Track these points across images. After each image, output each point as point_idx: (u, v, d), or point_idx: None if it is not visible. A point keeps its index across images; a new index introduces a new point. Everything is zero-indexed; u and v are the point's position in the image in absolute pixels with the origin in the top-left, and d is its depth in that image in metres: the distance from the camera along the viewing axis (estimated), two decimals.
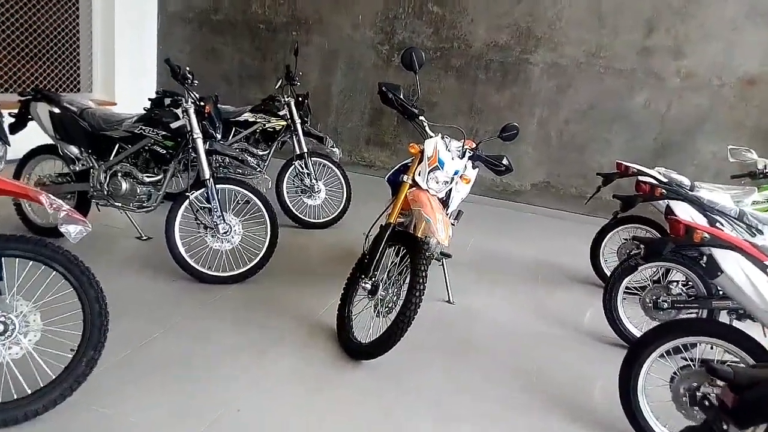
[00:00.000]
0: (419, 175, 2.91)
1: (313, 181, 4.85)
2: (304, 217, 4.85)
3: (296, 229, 4.80)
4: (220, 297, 3.37)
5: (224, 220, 3.49)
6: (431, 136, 3.03)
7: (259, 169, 4.54)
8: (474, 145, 3.29)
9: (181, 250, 3.47)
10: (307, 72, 7.00)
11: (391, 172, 3.18)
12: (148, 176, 3.60)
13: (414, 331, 2.74)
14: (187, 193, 3.42)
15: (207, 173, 3.42)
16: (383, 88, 2.91)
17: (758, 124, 5.69)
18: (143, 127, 3.55)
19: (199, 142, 3.41)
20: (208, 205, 3.46)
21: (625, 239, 4.33)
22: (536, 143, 6.32)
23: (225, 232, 3.51)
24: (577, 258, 4.74)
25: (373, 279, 2.85)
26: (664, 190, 3.27)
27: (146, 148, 3.56)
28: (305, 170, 4.84)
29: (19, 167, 3.93)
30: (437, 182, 2.90)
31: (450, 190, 3.08)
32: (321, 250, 4.42)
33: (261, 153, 4.92)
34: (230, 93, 7.32)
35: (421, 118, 3.05)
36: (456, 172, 2.94)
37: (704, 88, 5.80)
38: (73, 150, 3.70)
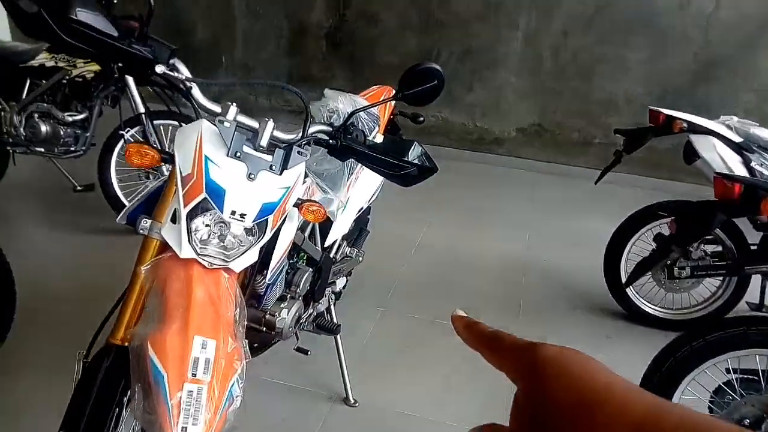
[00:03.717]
0: (174, 222, 1.12)
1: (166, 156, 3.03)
2: None
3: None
4: None
5: None
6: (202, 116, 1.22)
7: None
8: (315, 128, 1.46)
9: None
10: None
11: (137, 200, 1.33)
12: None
13: None
14: None
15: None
16: None
17: None
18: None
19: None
20: None
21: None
22: (522, 69, 4.40)
23: None
24: (589, 251, 2.97)
25: None
26: (685, 124, 2.33)
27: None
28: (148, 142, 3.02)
29: None
30: (221, 236, 1.11)
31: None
32: None
33: (72, 118, 3.07)
34: None
35: (162, 69, 1.19)
36: (269, 207, 1.14)
37: None
38: None
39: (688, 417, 0.27)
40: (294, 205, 1.25)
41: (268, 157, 1.14)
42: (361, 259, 2.35)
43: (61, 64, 3.00)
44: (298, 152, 1.17)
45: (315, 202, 1.26)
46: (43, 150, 3.08)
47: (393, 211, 3.58)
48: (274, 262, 1.29)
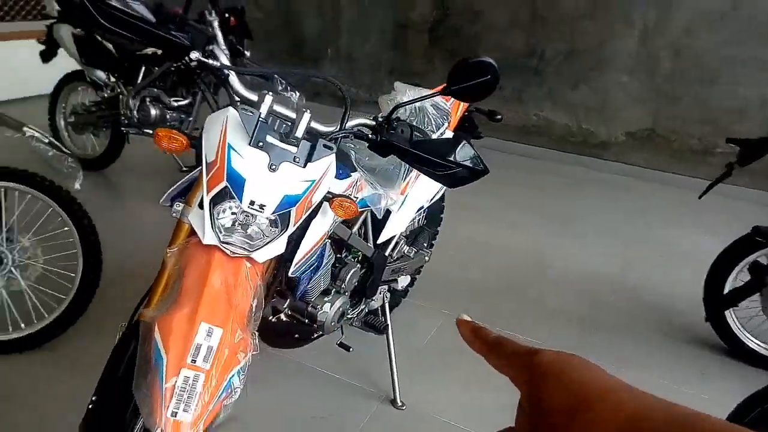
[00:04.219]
0: (201, 208, 1.14)
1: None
2: None
3: None
4: None
5: None
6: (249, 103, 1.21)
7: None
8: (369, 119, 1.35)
9: None
10: None
11: (180, 183, 1.36)
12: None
13: None
14: None
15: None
16: None
17: None
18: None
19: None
20: None
21: None
22: (635, 69, 4.05)
23: None
24: (692, 273, 2.66)
25: None
26: None
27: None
28: None
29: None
30: (244, 225, 1.11)
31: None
32: None
33: (178, 103, 3.29)
34: None
35: (196, 55, 1.19)
36: (291, 199, 1.12)
37: None
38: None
39: (677, 411, 0.28)
40: (325, 200, 1.22)
41: (293, 149, 1.12)
42: (427, 258, 2.28)
43: None
44: (325, 145, 1.14)
45: (347, 197, 1.21)
46: (151, 132, 3.33)
47: (475, 211, 3.48)
48: (299, 255, 1.26)
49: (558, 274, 2.85)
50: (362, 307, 1.86)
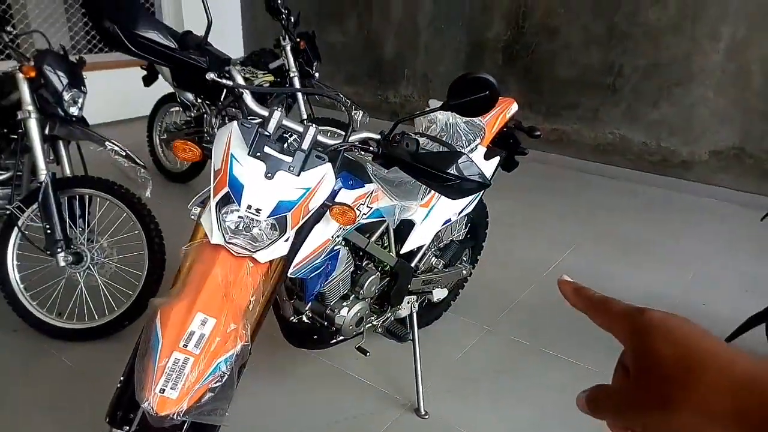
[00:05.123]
0: (210, 210, 1.27)
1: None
2: None
3: None
4: (50, 365, 2.19)
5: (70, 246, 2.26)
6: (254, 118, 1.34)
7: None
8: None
9: (19, 286, 2.35)
10: (389, 0, 5.30)
11: (206, 190, 1.50)
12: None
13: None
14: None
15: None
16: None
17: None
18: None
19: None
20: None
21: None
22: (722, 84, 3.80)
23: (75, 262, 2.30)
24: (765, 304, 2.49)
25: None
26: None
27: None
28: None
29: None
30: (248, 228, 1.23)
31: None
32: None
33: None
34: None
35: (211, 76, 1.32)
36: (286, 205, 1.21)
37: None
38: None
39: None
40: (324, 207, 1.31)
41: (288, 159, 1.22)
42: (465, 273, 2.30)
43: (246, 75, 3.49)
44: (317, 156, 1.24)
45: (347, 205, 1.29)
46: None
47: (534, 228, 3.43)
48: (298, 258, 1.35)
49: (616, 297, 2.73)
50: (388, 315, 1.92)
